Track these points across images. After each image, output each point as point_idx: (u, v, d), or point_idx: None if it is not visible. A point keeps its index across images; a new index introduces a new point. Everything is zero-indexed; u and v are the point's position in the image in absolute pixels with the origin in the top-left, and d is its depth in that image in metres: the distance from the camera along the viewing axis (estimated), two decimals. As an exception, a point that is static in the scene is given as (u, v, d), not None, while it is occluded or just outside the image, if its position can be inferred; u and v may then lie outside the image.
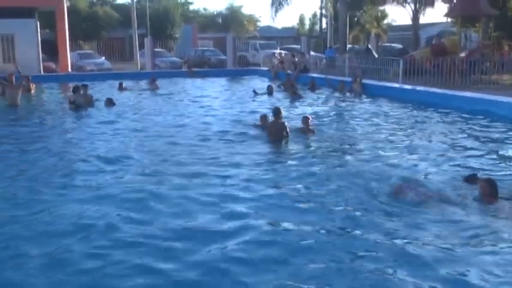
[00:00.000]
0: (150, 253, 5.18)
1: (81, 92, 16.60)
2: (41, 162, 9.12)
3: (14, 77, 17.90)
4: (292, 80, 20.88)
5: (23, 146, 10.58)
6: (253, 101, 17.81)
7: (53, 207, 6.64)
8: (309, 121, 11.17)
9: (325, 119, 13.53)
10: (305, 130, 11.02)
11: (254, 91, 19.37)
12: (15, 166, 8.89)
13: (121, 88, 21.50)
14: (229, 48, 33.30)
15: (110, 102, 16.53)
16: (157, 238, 5.55)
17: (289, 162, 8.81)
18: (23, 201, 6.90)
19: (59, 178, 8.02)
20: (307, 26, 66.96)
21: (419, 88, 18.22)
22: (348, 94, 19.30)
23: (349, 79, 20.85)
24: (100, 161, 9.06)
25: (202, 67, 34.18)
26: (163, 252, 5.19)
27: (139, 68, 32.13)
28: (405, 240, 5.41)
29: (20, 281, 4.70)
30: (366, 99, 17.84)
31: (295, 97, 18.03)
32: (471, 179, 7.24)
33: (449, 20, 30.71)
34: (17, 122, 14.30)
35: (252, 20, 57.50)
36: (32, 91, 20.56)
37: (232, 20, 54.79)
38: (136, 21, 33.43)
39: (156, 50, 34.72)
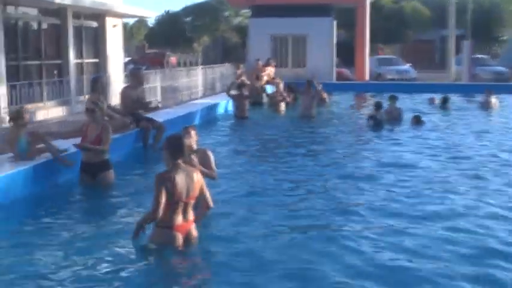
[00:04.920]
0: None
1: (383, 108, 16.87)
2: (332, 178, 10.07)
3: (311, 85, 18.83)
4: None
5: (314, 160, 11.72)
6: None
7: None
8: None
9: None
10: None
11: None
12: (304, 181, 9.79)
13: (444, 105, 20.57)
14: None
15: (417, 121, 16.50)
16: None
17: None
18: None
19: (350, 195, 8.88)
20: None
21: None
22: None
23: None
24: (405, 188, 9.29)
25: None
26: None
27: (453, 78, 31.31)
28: None
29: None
30: None
31: None
32: None
33: None
34: (311, 133, 15.36)
35: None
36: (326, 101, 21.45)
37: None
38: (454, 19, 32.70)
39: (475, 56, 33.51)
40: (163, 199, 6.04)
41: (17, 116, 9.25)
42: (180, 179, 6.13)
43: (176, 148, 6.25)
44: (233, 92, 18.65)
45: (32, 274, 5.74)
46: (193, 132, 7.95)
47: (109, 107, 12.16)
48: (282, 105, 19.78)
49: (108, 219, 7.75)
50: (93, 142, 9.27)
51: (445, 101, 20.60)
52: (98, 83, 11.92)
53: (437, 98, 21.42)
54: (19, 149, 9.03)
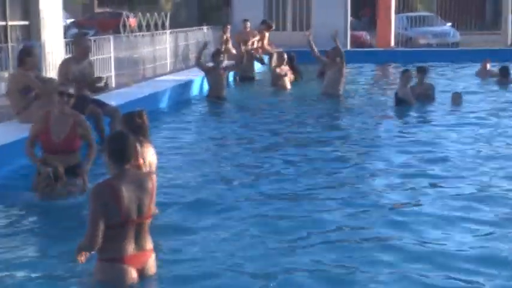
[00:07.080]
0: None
1: (416, 77, 17.16)
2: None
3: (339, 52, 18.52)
4: None
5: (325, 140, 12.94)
6: None
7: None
8: None
9: None
10: None
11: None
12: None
13: (503, 79, 20.51)
14: None
15: (457, 98, 16.89)
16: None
17: None
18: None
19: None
20: None
21: None
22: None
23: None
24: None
25: None
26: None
27: (510, 42, 31.44)
28: None
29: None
30: None
31: None
32: None
33: None
34: (334, 115, 16.39)
35: None
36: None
37: None
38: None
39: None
40: (102, 221, 5.66)
41: None
42: (128, 190, 5.78)
43: (121, 150, 5.87)
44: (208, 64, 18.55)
45: None
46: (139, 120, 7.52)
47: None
48: (287, 81, 19.87)
49: (52, 239, 7.73)
50: (63, 144, 8.90)
51: (504, 72, 20.61)
52: (31, 55, 11.82)
53: (492, 68, 21.61)
54: None
